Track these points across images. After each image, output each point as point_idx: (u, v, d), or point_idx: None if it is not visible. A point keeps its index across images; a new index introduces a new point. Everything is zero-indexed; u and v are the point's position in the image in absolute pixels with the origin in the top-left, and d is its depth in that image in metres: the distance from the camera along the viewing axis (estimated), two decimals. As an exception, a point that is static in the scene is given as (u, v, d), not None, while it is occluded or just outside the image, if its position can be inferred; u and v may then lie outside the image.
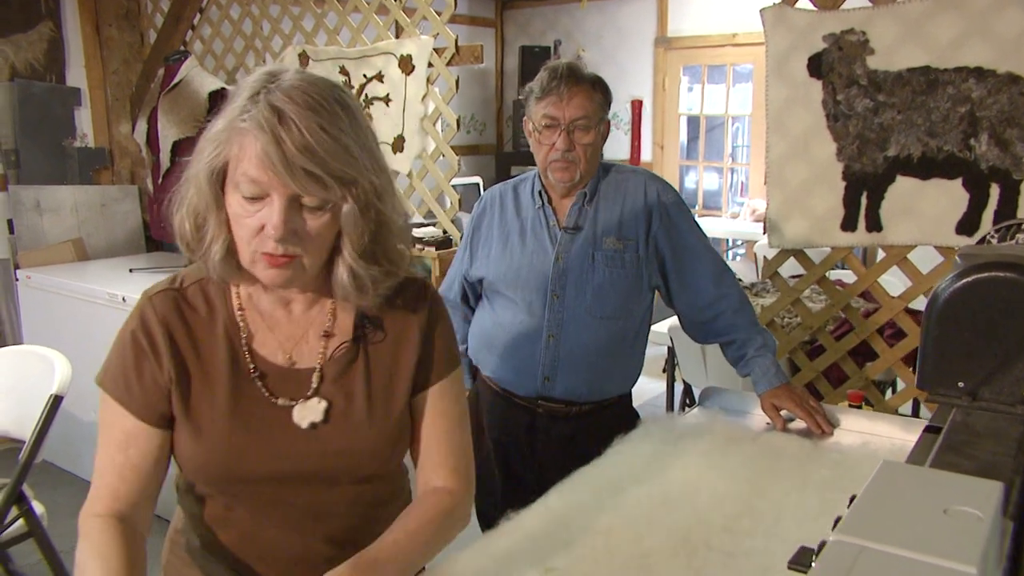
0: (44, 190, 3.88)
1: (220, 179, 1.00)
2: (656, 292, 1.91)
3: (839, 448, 1.64)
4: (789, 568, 0.57)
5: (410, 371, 1.14)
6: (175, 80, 3.56)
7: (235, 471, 1.08)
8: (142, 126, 3.75)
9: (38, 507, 2.06)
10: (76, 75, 4.09)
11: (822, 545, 0.53)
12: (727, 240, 6.02)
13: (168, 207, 1.06)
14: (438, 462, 1.16)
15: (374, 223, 1.03)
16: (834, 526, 0.54)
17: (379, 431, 1.11)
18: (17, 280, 3.61)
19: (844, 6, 2.30)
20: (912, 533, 0.51)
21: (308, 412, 1.09)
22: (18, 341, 3.72)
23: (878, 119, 2.27)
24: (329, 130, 0.95)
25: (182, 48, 3.94)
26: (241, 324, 1.10)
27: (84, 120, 4.14)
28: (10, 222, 3.81)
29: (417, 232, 3.10)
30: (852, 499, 0.58)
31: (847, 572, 0.47)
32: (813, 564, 0.52)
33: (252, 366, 1.09)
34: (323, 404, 1.09)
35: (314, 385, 1.10)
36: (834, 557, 0.50)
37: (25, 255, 3.75)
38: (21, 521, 1.99)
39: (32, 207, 3.84)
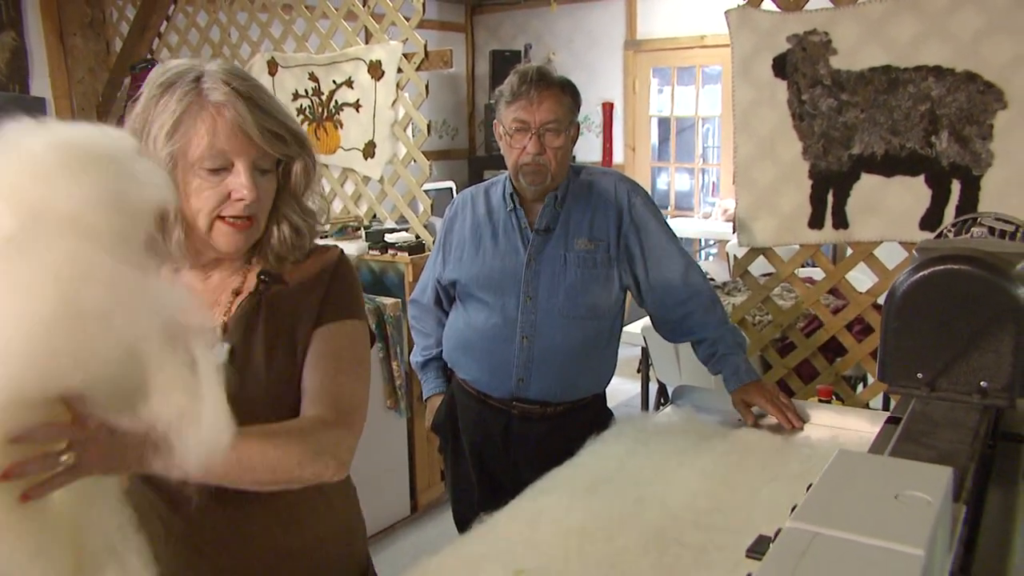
0: (10, 202, 3.82)
1: (175, 161, 1.07)
2: (628, 292, 1.93)
3: (809, 443, 1.66)
4: (747, 556, 0.59)
5: (312, 319, 1.16)
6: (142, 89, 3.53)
7: None
8: (109, 135, 3.70)
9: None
10: (40, 85, 4.04)
11: (778, 533, 0.54)
12: (700, 240, 6.06)
13: None
14: (315, 398, 1.12)
15: (312, 177, 1.17)
16: (791, 514, 0.56)
17: (278, 376, 1.13)
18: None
19: (807, 7, 2.34)
20: (863, 518, 0.53)
21: None
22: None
23: (842, 118, 2.31)
24: (273, 99, 1.11)
25: (148, 56, 3.90)
26: None
27: (50, 130, 4.08)
28: (-25, 235, 3.75)
29: (390, 237, 3.09)
30: (809, 488, 0.60)
31: (800, 557, 0.49)
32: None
33: None
34: (226, 346, 1.13)
35: (219, 334, 1.14)
36: (788, 543, 0.51)
37: (-9, 268, 3.69)
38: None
39: (-2, 219, 3.77)
